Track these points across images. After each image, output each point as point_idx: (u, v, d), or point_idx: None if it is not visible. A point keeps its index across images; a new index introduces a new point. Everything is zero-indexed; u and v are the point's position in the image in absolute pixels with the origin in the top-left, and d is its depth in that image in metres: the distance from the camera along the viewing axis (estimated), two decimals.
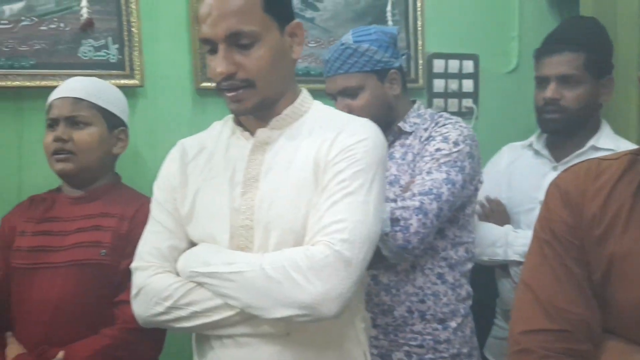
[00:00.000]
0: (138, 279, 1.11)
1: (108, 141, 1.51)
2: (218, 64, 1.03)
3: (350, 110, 1.46)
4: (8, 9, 1.64)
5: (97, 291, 1.39)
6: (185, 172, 1.17)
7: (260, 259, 1.01)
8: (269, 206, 1.07)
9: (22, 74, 1.66)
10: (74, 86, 1.48)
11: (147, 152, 1.83)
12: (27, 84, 1.66)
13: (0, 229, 1.50)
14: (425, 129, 1.53)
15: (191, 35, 1.88)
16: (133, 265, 1.14)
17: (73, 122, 1.45)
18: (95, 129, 1.47)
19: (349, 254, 0.99)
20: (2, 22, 1.63)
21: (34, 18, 1.67)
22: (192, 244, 1.14)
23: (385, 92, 1.54)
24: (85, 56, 1.74)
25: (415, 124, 1.56)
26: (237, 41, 1.03)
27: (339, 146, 1.06)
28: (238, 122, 1.17)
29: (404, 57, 1.65)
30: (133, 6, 1.78)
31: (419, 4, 2.21)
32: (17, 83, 1.65)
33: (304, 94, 1.18)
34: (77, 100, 1.45)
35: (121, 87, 1.69)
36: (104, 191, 1.51)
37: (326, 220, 1.01)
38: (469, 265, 1.57)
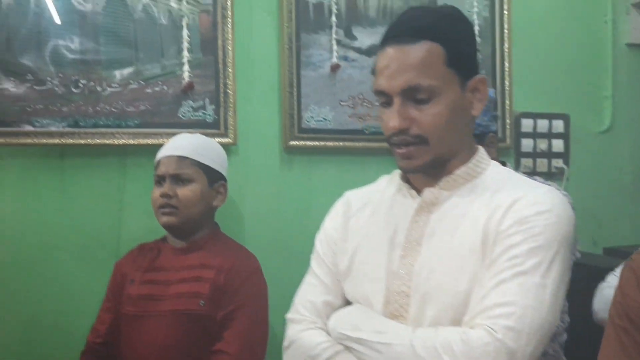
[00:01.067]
0: (291, 332, 1.09)
1: (208, 195, 1.59)
2: (391, 118, 0.98)
3: None
4: (119, 73, 1.79)
5: (197, 340, 1.46)
6: (347, 226, 1.12)
7: (412, 334, 0.93)
8: (429, 274, 0.97)
9: (128, 133, 1.79)
10: (179, 144, 1.58)
11: (239, 204, 1.91)
12: (131, 142, 1.79)
13: (113, 275, 1.63)
14: None
15: (281, 96, 1.97)
16: (288, 316, 1.13)
17: (178, 179, 1.54)
18: (197, 185, 1.56)
19: (513, 345, 0.86)
20: (113, 85, 1.78)
21: (141, 82, 1.81)
22: (347, 302, 1.11)
23: None
24: (185, 116, 1.86)
25: None
26: (414, 95, 0.97)
27: (514, 216, 0.94)
28: (405, 179, 1.10)
29: (499, 120, 1.63)
30: (230, 70, 1.89)
31: (506, 64, 2.20)
32: (122, 141, 1.78)
33: (480, 153, 1.07)
34: (182, 159, 1.55)
35: None
36: (204, 241, 1.59)
37: (491, 300, 0.90)
38: (565, 336, 1.47)
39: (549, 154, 2.28)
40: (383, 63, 0.99)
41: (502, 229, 0.94)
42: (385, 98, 1.00)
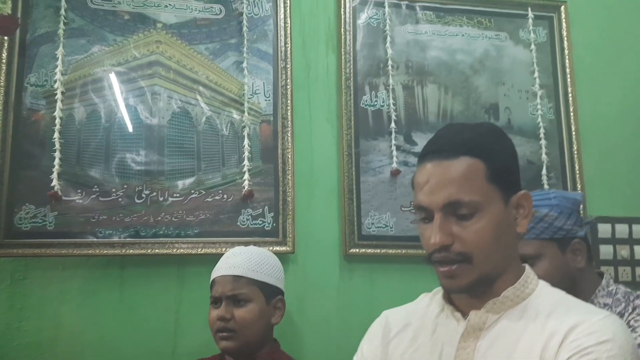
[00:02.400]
0: None
1: (267, 313, 1.52)
2: (432, 234, 0.95)
3: None
4: (181, 183, 1.82)
5: None
6: (387, 349, 1.06)
7: None
8: None
9: (187, 242, 1.78)
10: (234, 262, 1.53)
11: (298, 316, 1.83)
12: (191, 251, 1.77)
13: None
14: (620, 314, 1.32)
15: (341, 203, 1.93)
16: None
17: (234, 300, 1.49)
18: (255, 305, 1.50)
19: None
20: (175, 195, 1.80)
21: (202, 191, 1.83)
22: None
23: (567, 263, 1.38)
24: (244, 225, 1.84)
25: (606, 305, 1.36)
26: (456, 211, 0.94)
27: (573, 346, 0.87)
28: (448, 299, 1.04)
29: (588, 225, 1.51)
30: (289, 177, 1.89)
31: (576, 166, 2.10)
32: (181, 251, 1.77)
33: (528, 273, 1.03)
34: (237, 278, 1.50)
35: (274, 254, 1.73)
36: None
37: None
38: None
39: (632, 262, 2.10)
40: (423, 178, 0.97)
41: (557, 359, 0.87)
42: (425, 213, 0.97)
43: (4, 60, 1.74)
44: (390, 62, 2.07)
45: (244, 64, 1.93)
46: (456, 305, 1.02)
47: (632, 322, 1.28)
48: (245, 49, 1.93)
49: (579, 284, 1.37)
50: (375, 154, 2.01)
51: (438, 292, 1.08)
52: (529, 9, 2.23)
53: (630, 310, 1.31)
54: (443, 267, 0.95)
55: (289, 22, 2.00)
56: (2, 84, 1.73)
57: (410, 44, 2.12)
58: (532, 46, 2.21)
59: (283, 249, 1.83)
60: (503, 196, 0.96)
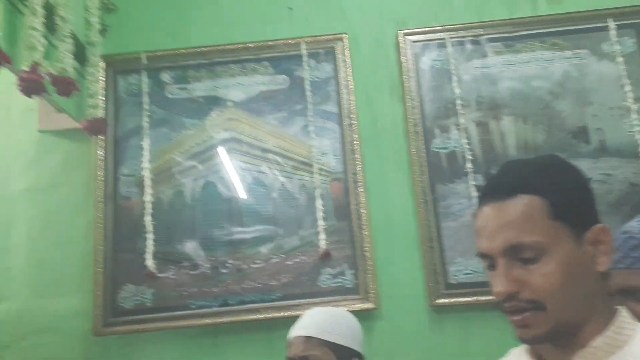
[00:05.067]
0: None
1: None
2: (497, 283, 0.88)
3: (638, 320, 1.18)
4: (262, 249, 1.90)
5: None
6: None
7: None
8: None
9: (272, 307, 1.84)
10: (306, 323, 1.55)
11: None
12: (275, 315, 1.83)
13: None
14: None
15: (422, 253, 1.89)
16: None
17: None
18: None
19: None
20: (257, 261, 1.89)
21: (281, 255, 1.89)
22: None
23: None
24: (324, 284, 1.87)
25: None
26: (519, 255, 0.87)
27: None
28: (535, 354, 0.96)
29: None
30: (365, 233, 1.89)
31: None
32: (267, 315, 1.83)
33: (622, 317, 0.91)
34: (308, 339, 1.51)
35: (357, 312, 1.73)
36: None
37: None
38: None
39: None
40: (480, 223, 0.90)
41: None
42: (488, 261, 0.89)
43: (101, 157, 1.98)
44: (459, 101, 2.02)
45: (311, 127, 1.99)
46: (544, 359, 0.92)
47: None
48: (310, 113, 2.00)
49: None
50: (454, 198, 1.94)
51: (525, 347, 0.97)
52: (609, 19, 2.06)
53: None
54: (514, 316, 0.87)
55: (351, 79, 2.04)
56: (101, 177, 1.96)
57: (479, 79, 2.05)
58: (619, 58, 2.04)
59: (366, 305, 1.82)
60: (573, 233, 0.87)
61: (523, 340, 0.89)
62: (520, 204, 0.86)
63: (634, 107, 1.99)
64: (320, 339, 1.51)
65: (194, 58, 2.07)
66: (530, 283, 0.84)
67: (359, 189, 1.94)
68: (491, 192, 0.91)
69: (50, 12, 1.62)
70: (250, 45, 2.08)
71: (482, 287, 1.86)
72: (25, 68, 1.50)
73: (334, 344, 1.52)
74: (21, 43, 1.56)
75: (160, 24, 2.11)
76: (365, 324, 1.68)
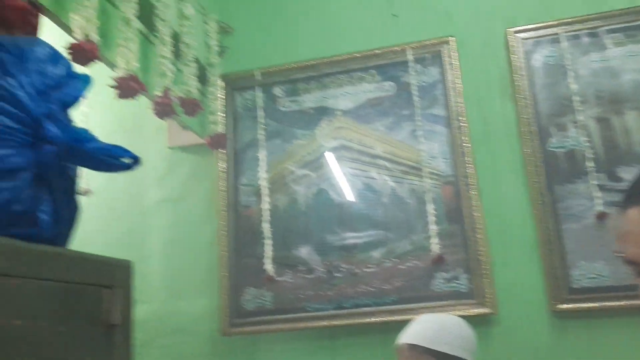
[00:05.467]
0: None
1: None
2: None
3: None
4: (374, 254, 1.93)
5: None
6: None
7: None
8: None
9: (386, 311, 1.87)
10: (412, 330, 1.56)
11: None
12: (390, 318, 1.86)
13: None
14: None
15: (541, 257, 1.82)
16: None
17: None
18: None
19: None
20: (370, 265, 1.93)
21: (394, 259, 1.92)
22: None
23: None
24: (438, 289, 1.86)
25: None
26: None
27: None
28: None
29: None
30: (479, 236, 1.86)
31: None
32: (381, 319, 1.87)
33: None
34: (412, 347, 1.52)
35: (473, 317, 1.71)
36: None
37: None
38: None
39: None
40: (625, 227, 0.84)
41: None
42: (633, 267, 0.84)
43: (222, 169, 2.13)
44: (577, 98, 1.93)
45: (419, 132, 2.00)
46: None
47: None
48: (418, 117, 2.01)
49: None
50: (575, 199, 1.86)
51: None
52: None
53: None
54: None
55: (459, 81, 2.03)
56: (223, 188, 2.10)
57: (598, 73, 1.95)
58: None
59: (483, 310, 1.79)
60: None
61: None
62: None
63: None
64: (424, 346, 1.51)
65: (304, 71, 2.17)
66: None
67: (471, 192, 1.91)
68: (639, 194, 0.84)
69: (176, 40, 1.78)
70: (357, 55, 2.13)
71: (608, 292, 1.76)
72: (157, 93, 1.67)
73: (438, 352, 1.50)
74: (152, 71, 1.73)
75: (271, 41, 2.23)
76: (482, 330, 1.67)
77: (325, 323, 1.90)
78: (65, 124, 0.98)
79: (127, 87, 1.54)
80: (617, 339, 1.72)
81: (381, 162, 2.02)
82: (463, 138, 1.97)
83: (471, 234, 1.88)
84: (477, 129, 1.99)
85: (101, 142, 0.99)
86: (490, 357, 1.70)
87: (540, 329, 1.78)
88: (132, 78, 1.54)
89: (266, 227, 2.02)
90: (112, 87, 1.51)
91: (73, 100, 1.03)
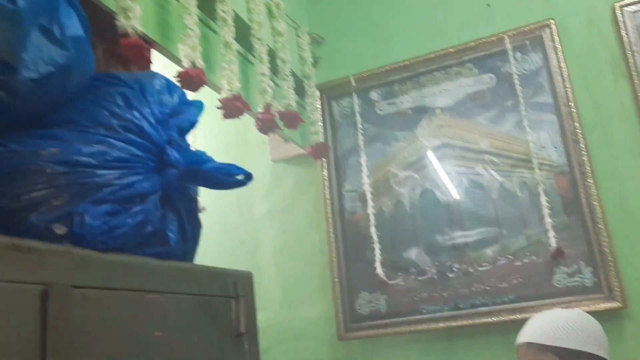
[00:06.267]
0: None
1: None
2: None
3: None
4: (487, 252, 1.88)
5: None
6: None
7: None
8: None
9: (505, 310, 1.81)
10: (528, 329, 1.48)
11: None
12: (510, 317, 1.79)
13: None
14: None
15: None
16: None
17: None
18: None
19: None
20: (484, 264, 1.87)
21: (508, 256, 1.85)
22: None
23: None
24: (560, 284, 1.77)
25: None
26: None
27: None
28: None
29: None
30: (601, 227, 1.75)
31: None
32: (500, 318, 1.80)
33: None
34: (529, 345, 1.45)
35: (601, 312, 1.61)
36: None
37: None
38: None
39: None
40: None
41: None
42: None
43: (326, 177, 2.17)
44: None
45: (525, 122, 1.92)
46: None
47: None
48: (522, 107, 1.94)
49: None
50: None
51: None
52: None
53: None
54: None
55: (564, 65, 1.92)
56: (328, 195, 2.14)
57: None
58: None
59: (611, 305, 1.68)
60: None
61: None
62: None
63: None
64: (540, 343, 1.44)
65: (398, 72, 2.16)
66: None
67: (588, 180, 1.81)
68: None
69: (272, 56, 1.84)
70: (451, 50, 2.09)
71: None
72: (260, 110, 1.74)
73: (556, 347, 1.42)
74: (253, 89, 1.80)
75: (363, 46, 2.25)
76: (612, 326, 1.57)
77: (441, 325, 1.87)
78: (185, 148, 1.05)
79: (233, 107, 1.62)
80: None
81: (487, 157, 1.96)
82: (574, 124, 1.87)
83: (591, 224, 1.78)
84: (588, 114, 1.87)
85: (217, 162, 1.05)
86: (623, 354, 1.59)
87: None
88: (237, 98, 1.61)
89: (374, 231, 2.03)
90: (218, 108, 1.59)
91: (190, 125, 1.10)
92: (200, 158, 1.04)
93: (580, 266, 1.76)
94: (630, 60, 1.85)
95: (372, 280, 1.99)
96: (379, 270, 1.98)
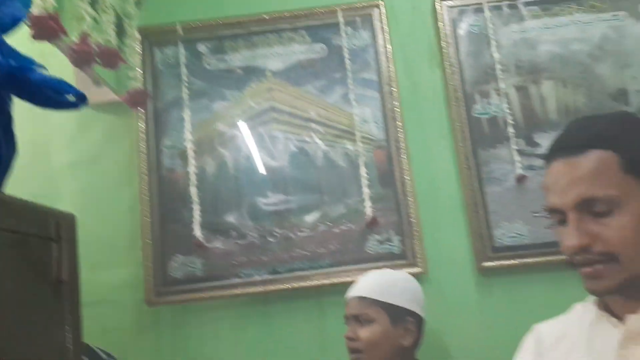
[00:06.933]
0: None
1: (393, 334, 1.53)
2: (569, 237, 0.89)
3: None
4: (308, 218, 1.91)
5: None
6: None
7: None
8: None
9: (321, 274, 1.85)
10: (361, 284, 1.59)
11: (441, 336, 1.82)
12: (326, 282, 1.84)
13: None
14: None
15: (467, 218, 1.90)
16: None
17: (358, 320, 1.54)
18: (378, 326, 1.53)
19: None
20: (304, 230, 1.89)
21: (328, 223, 1.90)
22: None
23: None
24: (371, 250, 1.88)
25: None
26: (591, 209, 0.89)
27: None
28: (603, 306, 0.97)
29: None
30: (410, 199, 1.90)
31: None
32: (317, 282, 1.85)
33: None
34: (362, 299, 1.55)
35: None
36: None
37: None
38: None
39: None
40: (551, 179, 0.93)
41: None
42: (559, 216, 0.92)
43: (142, 129, 1.97)
44: (499, 66, 2.01)
45: (351, 95, 1.99)
46: (612, 311, 0.95)
47: None
48: (350, 81, 2.00)
49: None
50: (497, 163, 1.95)
51: (591, 300, 1.01)
52: None
53: None
54: (585, 269, 0.89)
55: (389, 46, 2.03)
56: (143, 149, 1.95)
57: (517, 44, 2.05)
58: None
59: (415, 270, 1.84)
60: None
61: (593, 292, 0.92)
62: (592, 159, 0.88)
63: None
64: (372, 299, 1.54)
65: (230, 28, 2.06)
66: (604, 236, 0.87)
67: (402, 156, 1.94)
68: (562, 148, 0.92)
69: None
70: (286, 14, 2.06)
71: (527, 249, 1.88)
72: (74, 39, 1.49)
73: (386, 303, 1.54)
74: (67, 14, 1.54)
75: None
76: None
77: (259, 289, 1.85)
78: (9, 47, 0.83)
79: (46, 27, 1.36)
80: (536, 293, 1.84)
81: (314, 125, 1.98)
82: (394, 103, 1.98)
83: (402, 197, 1.91)
84: (407, 95, 2.01)
85: (47, 74, 0.86)
86: (426, 314, 1.74)
87: (468, 286, 1.87)
88: (52, 17, 1.35)
89: (193, 192, 1.90)
90: (28, 25, 1.32)
91: (12, 22, 0.88)
92: (26, 64, 0.84)
93: (391, 235, 1.89)
94: (445, 50, 2.03)
95: (189, 243, 1.87)
96: (197, 232, 1.87)
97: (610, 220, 0.87)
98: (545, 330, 1.05)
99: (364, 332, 1.52)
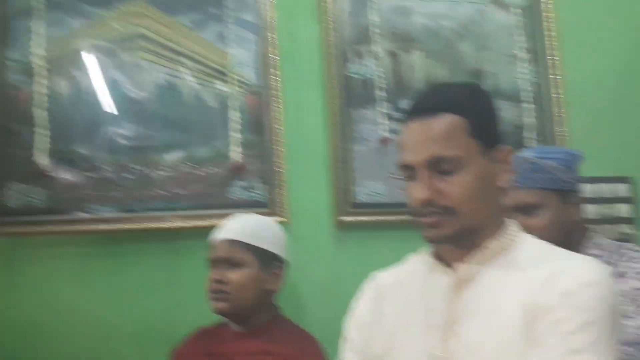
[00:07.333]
0: None
1: (262, 279, 1.52)
2: (417, 191, 0.97)
3: (526, 231, 1.34)
4: (170, 157, 1.80)
5: None
6: (380, 309, 1.08)
7: None
8: (473, 356, 0.92)
9: (179, 216, 1.77)
10: (231, 227, 1.55)
11: (296, 283, 1.83)
12: (183, 224, 1.76)
13: None
14: (608, 263, 1.34)
15: (331, 173, 1.93)
16: None
17: (228, 263, 1.50)
18: (248, 269, 1.51)
19: None
20: (165, 169, 1.78)
21: (192, 164, 1.81)
22: None
23: (567, 215, 1.40)
24: (234, 196, 1.83)
25: (593, 255, 1.38)
26: (439, 167, 0.96)
27: (557, 289, 0.89)
28: (435, 256, 1.06)
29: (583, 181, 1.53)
30: (279, 149, 1.88)
31: (561, 128, 2.13)
32: (174, 224, 1.76)
33: (512, 226, 1.05)
34: (232, 242, 1.51)
35: None
36: (265, 328, 1.52)
37: None
38: None
39: (615, 219, 2.15)
40: (406, 138, 1.00)
41: (544, 304, 0.89)
42: (410, 172, 0.99)
43: None
44: (375, 30, 2.06)
45: (228, 35, 1.90)
46: (443, 260, 1.03)
47: (621, 269, 1.31)
48: (228, 19, 1.90)
49: (571, 235, 1.41)
50: (365, 123, 2.00)
51: (425, 251, 1.10)
52: None
53: (617, 258, 1.35)
54: (426, 219, 0.97)
55: None
56: None
57: (395, 11, 2.11)
58: (515, 10, 2.22)
59: (277, 219, 1.82)
60: (484, 151, 0.98)
61: (431, 239, 1.01)
62: (444, 122, 0.96)
63: (523, 56, 2.19)
64: (243, 242, 1.52)
65: None
66: (447, 192, 0.95)
67: (275, 105, 1.91)
68: (418, 110, 0.99)
69: None
70: None
71: (383, 208, 1.97)
72: None
73: (256, 247, 1.53)
74: None
75: None
76: None
77: (109, 227, 1.71)
78: None
79: None
80: (387, 249, 1.92)
81: (185, 60, 1.86)
82: (272, 50, 1.93)
83: (271, 145, 1.89)
84: (286, 44, 1.97)
85: None
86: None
87: (326, 238, 1.92)
88: None
89: (40, 114, 1.69)
90: None
91: None
92: None
93: (256, 182, 1.86)
94: (326, 5, 2.02)
95: (29, 170, 1.66)
96: (41, 159, 1.67)
97: (453, 179, 0.95)
98: (383, 278, 1.12)
99: (234, 275, 1.49)
